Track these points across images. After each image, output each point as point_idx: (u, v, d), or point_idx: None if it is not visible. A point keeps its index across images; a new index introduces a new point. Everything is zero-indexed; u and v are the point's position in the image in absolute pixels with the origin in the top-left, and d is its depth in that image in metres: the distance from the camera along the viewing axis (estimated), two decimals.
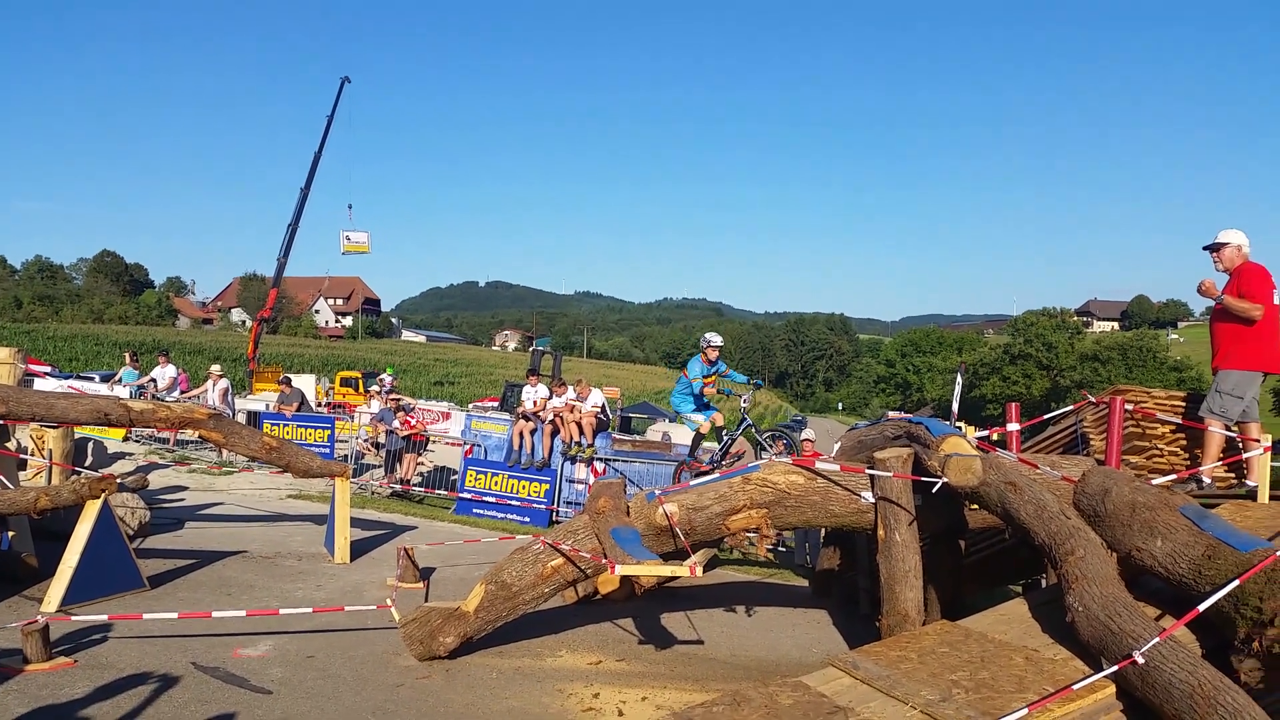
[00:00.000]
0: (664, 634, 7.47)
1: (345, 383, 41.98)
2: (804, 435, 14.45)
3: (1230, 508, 6.09)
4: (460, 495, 15.16)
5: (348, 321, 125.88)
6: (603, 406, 15.73)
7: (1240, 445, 6.91)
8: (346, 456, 16.72)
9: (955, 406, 11.00)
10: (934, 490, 6.02)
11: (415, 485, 16.34)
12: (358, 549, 9.85)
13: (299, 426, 17.24)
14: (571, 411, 15.04)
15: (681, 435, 29.93)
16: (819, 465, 6.82)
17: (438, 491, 16.26)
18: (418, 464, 16.78)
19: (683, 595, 8.85)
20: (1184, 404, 7.63)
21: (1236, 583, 4.18)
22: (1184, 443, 7.44)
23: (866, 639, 6.38)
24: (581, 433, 14.90)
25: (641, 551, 5.89)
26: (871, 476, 6.46)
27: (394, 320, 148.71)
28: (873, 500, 6.44)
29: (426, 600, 7.76)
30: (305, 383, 32.04)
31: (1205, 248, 7.04)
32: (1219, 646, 4.35)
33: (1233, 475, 7.18)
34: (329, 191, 44.64)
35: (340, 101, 40.46)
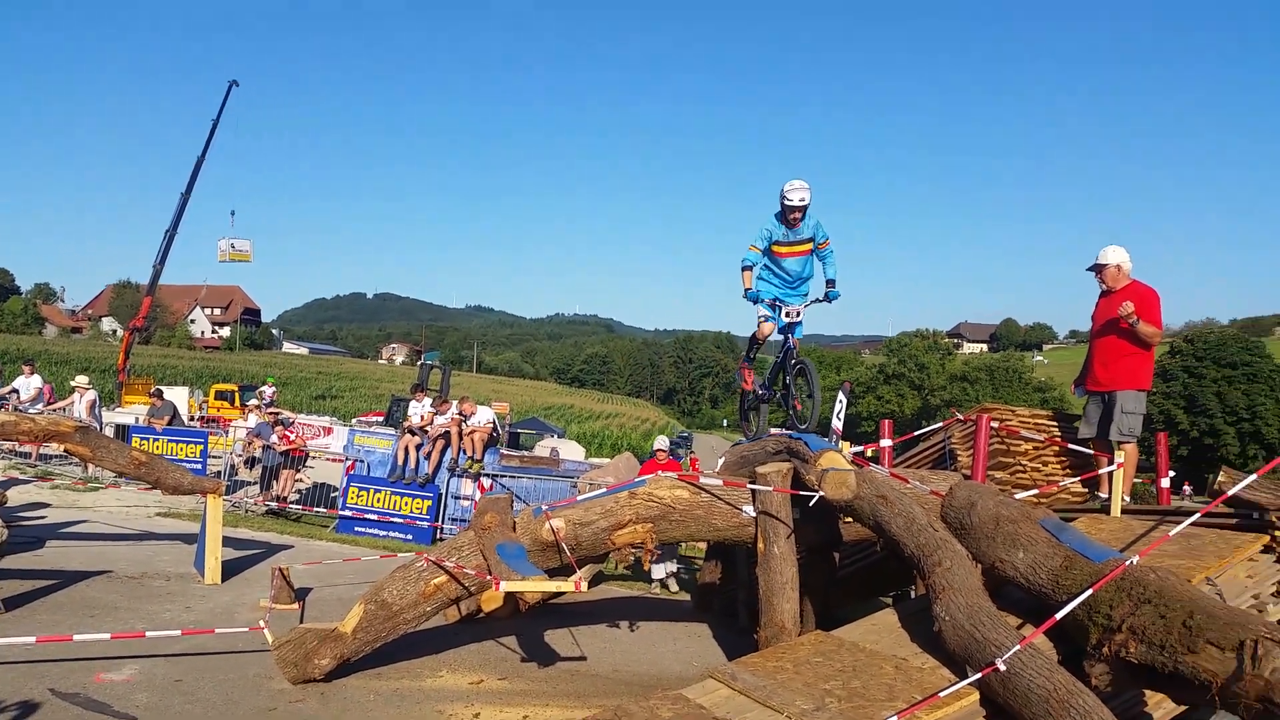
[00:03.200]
0: (547, 651, 7.44)
1: (220, 395, 40.52)
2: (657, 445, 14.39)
3: (1086, 521, 6.44)
4: (341, 513, 14.75)
5: (225, 332, 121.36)
6: (494, 422, 15.57)
7: (1095, 461, 7.31)
8: (220, 473, 16.10)
9: (839, 424, 11.27)
10: (810, 504, 6.20)
11: (293, 503, 15.83)
12: (230, 569, 9.49)
13: (170, 441, 16.54)
14: (458, 427, 14.83)
15: (570, 451, 29.93)
16: (703, 480, 6.93)
17: (316, 509, 15.77)
18: (296, 480, 16.28)
19: (567, 611, 8.83)
20: (1048, 422, 8.03)
21: (1090, 591, 4.43)
22: (1046, 458, 7.84)
23: (746, 651, 6.49)
24: (473, 447, 14.71)
25: (527, 567, 5.87)
26: (753, 490, 6.60)
27: (275, 331, 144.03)
28: (754, 514, 6.58)
29: (302, 621, 7.53)
30: (178, 395, 30.81)
31: (1089, 268, 7.37)
32: (1074, 653, 4.60)
33: (1086, 490, 7.61)
34: (209, 197, 43.20)
35: (226, 106, 39.37)
